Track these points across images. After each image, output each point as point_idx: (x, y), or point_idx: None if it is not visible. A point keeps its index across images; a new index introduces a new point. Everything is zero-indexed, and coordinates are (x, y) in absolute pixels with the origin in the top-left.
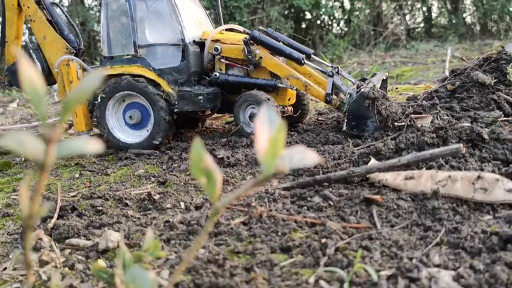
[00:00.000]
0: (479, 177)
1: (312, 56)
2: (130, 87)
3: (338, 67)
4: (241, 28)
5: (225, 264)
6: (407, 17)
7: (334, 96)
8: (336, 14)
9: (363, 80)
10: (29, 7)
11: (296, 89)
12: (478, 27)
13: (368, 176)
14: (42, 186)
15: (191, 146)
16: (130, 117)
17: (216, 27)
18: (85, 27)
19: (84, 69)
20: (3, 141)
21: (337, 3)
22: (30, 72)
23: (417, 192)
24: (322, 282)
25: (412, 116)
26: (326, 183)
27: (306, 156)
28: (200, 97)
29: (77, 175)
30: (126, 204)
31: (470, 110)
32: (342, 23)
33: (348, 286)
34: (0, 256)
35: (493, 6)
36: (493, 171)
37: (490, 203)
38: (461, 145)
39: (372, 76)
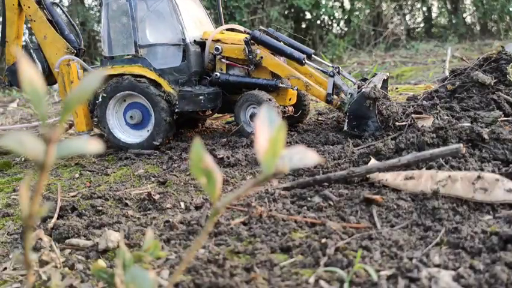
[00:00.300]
0: (479, 177)
1: (313, 56)
2: (131, 87)
3: (338, 67)
4: (241, 28)
5: (225, 264)
6: (407, 17)
7: (335, 96)
8: (336, 14)
9: (364, 80)
10: (29, 7)
11: (297, 89)
12: (478, 27)
13: (368, 176)
14: (42, 186)
15: (191, 146)
16: (131, 117)
17: (216, 27)
18: (84, 27)
19: (84, 69)
20: (3, 141)
21: (337, 3)
22: (30, 72)
23: (417, 192)
24: (322, 282)
25: (413, 115)
26: (326, 183)
27: (306, 156)
28: (201, 97)
29: (77, 175)
30: (126, 204)
31: (470, 110)
32: (342, 23)
33: (348, 286)
34: (0, 256)
35: (493, 6)
36: (493, 171)
37: (490, 203)
38: (461, 145)
39: (373, 76)
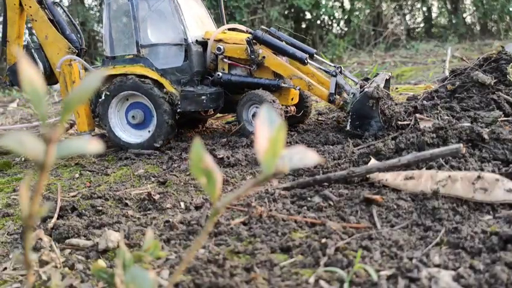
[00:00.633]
0: (479, 177)
1: (315, 55)
2: (135, 87)
3: (340, 67)
4: (243, 28)
5: (225, 264)
6: (407, 17)
7: (337, 96)
8: (336, 14)
9: (366, 79)
10: (30, 6)
11: (299, 89)
12: (478, 27)
13: (368, 176)
14: (42, 186)
15: (191, 146)
16: (133, 117)
17: (218, 27)
18: (84, 27)
19: (86, 69)
20: (3, 141)
21: (337, 3)
22: (30, 72)
23: (417, 192)
24: (322, 282)
25: (417, 115)
26: (326, 183)
27: (306, 156)
28: (203, 97)
29: (77, 175)
30: (126, 204)
31: (470, 110)
32: (342, 23)
33: (348, 286)
34: (0, 256)
35: (493, 6)
36: (493, 171)
37: (490, 203)
38: (461, 145)
39: (375, 76)
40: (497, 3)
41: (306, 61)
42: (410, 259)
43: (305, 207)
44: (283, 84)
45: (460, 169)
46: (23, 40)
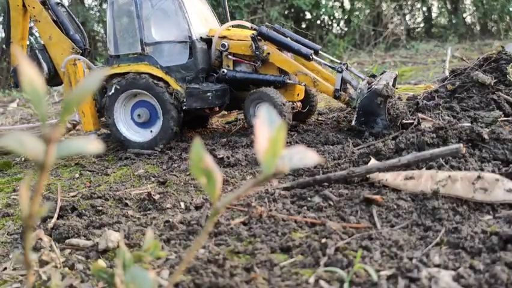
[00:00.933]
0: (479, 177)
1: (320, 52)
2: (147, 87)
3: (346, 63)
4: (248, 24)
5: (225, 264)
6: (407, 17)
7: (342, 92)
8: (336, 14)
9: (373, 76)
10: (34, 7)
11: (305, 85)
12: (478, 27)
13: (368, 176)
14: (42, 186)
15: (191, 146)
16: (139, 115)
17: (222, 24)
18: (84, 27)
19: (90, 69)
20: (3, 141)
21: (337, 3)
22: (30, 73)
23: (417, 192)
24: (322, 282)
25: (419, 115)
26: (326, 183)
27: (306, 156)
28: (208, 94)
29: (77, 175)
30: (126, 204)
31: (470, 110)
32: (342, 23)
33: (348, 286)
34: (0, 256)
35: (493, 6)
36: (493, 171)
37: (490, 203)
38: (461, 145)
39: (381, 74)
40: (497, 3)
41: (311, 57)
42: (410, 259)
43: (305, 207)
44: (288, 81)
45: (460, 169)
46: (27, 41)
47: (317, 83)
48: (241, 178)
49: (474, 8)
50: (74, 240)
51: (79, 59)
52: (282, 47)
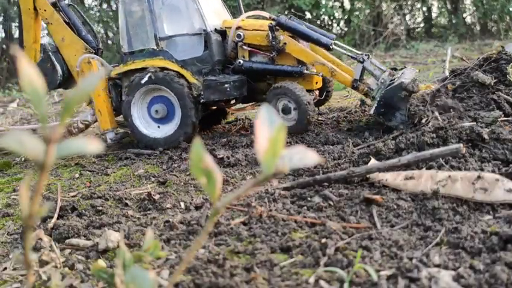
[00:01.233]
0: (479, 177)
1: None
2: (169, 85)
3: (368, 54)
4: (267, 14)
5: (225, 264)
6: (407, 17)
7: (360, 83)
8: (336, 14)
9: (394, 69)
10: (45, 10)
11: (322, 75)
12: (478, 27)
13: (368, 176)
14: (42, 186)
15: (191, 146)
16: (156, 111)
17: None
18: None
19: (104, 67)
20: (3, 141)
21: (337, 3)
22: (30, 72)
23: (417, 192)
24: (322, 282)
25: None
26: (326, 183)
27: (306, 156)
28: (226, 85)
29: (77, 175)
30: (126, 204)
31: (470, 110)
32: (342, 23)
33: (348, 286)
34: (0, 256)
35: (493, 6)
36: (493, 171)
37: (490, 203)
38: (461, 145)
39: (401, 69)
40: (497, 3)
41: (331, 47)
42: (410, 259)
43: (305, 207)
44: (306, 71)
45: (460, 169)
46: (40, 44)
47: (335, 73)
48: (241, 178)
49: (474, 8)
50: (74, 240)
51: (92, 58)
52: (301, 36)
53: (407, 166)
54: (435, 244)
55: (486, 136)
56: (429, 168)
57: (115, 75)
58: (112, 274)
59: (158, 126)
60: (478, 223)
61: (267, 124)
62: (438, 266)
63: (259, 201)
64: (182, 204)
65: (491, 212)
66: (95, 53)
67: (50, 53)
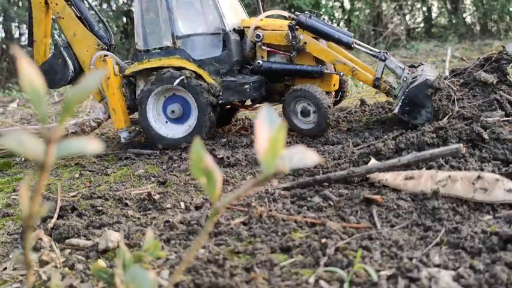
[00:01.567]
0: (479, 177)
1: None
2: (193, 90)
3: (387, 52)
4: (286, 13)
5: (225, 264)
6: (407, 17)
7: (381, 81)
8: (336, 14)
9: (412, 66)
10: (57, 4)
11: (343, 75)
12: (478, 27)
13: (368, 176)
14: (42, 186)
15: (191, 146)
16: (172, 111)
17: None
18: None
19: (119, 65)
20: (3, 141)
21: (337, 3)
22: (30, 72)
23: (417, 192)
24: (322, 282)
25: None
26: (326, 183)
27: (306, 156)
28: (246, 86)
29: (77, 175)
30: (126, 204)
31: (474, 109)
32: (342, 23)
33: (348, 286)
34: (0, 256)
35: (493, 6)
36: (493, 171)
37: (490, 203)
38: (461, 145)
39: (419, 65)
40: (497, 3)
41: (352, 46)
42: (410, 259)
43: (305, 207)
44: (326, 71)
45: (460, 169)
46: (50, 39)
47: (356, 72)
48: (241, 178)
49: (474, 8)
50: (74, 240)
51: (107, 55)
52: (322, 35)
53: (407, 166)
54: (435, 244)
55: (486, 136)
56: (429, 168)
57: (129, 73)
58: (112, 274)
59: (166, 122)
60: (478, 223)
61: (267, 124)
62: (438, 266)
63: (259, 201)
64: (182, 204)
65: (491, 212)
66: (107, 49)
67: (62, 48)
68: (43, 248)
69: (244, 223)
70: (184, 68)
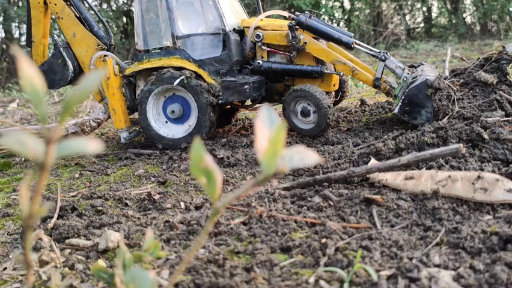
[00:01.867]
0: (479, 177)
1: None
2: (193, 90)
3: (386, 52)
4: (285, 13)
5: (225, 264)
6: (407, 17)
7: (381, 81)
8: (336, 14)
9: (412, 66)
10: (56, 4)
11: (342, 75)
12: (478, 27)
13: (368, 176)
14: (42, 186)
15: (191, 146)
16: (172, 111)
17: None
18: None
19: (119, 65)
20: (3, 141)
21: (337, 3)
22: (30, 72)
23: (417, 192)
24: (322, 282)
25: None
26: (326, 183)
27: (306, 156)
28: (246, 86)
29: (77, 175)
30: (126, 204)
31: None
32: (342, 23)
33: (348, 286)
34: (0, 256)
35: (493, 6)
36: (493, 171)
37: (490, 203)
38: (461, 145)
39: (418, 65)
40: (497, 3)
41: (352, 46)
42: (410, 259)
43: (305, 207)
44: (326, 71)
45: (460, 169)
46: (48, 39)
47: (356, 72)
48: (241, 178)
49: (474, 8)
50: (74, 240)
51: (107, 55)
52: (322, 35)
53: (407, 166)
54: (435, 244)
55: (486, 136)
56: (429, 168)
57: (129, 73)
58: (112, 274)
59: (166, 122)
60: (478, 223)
61: (267, 124)
62: (438, 266)
63: (259, 201)
64: (182, 204)
65: (491, 212)
66: (107, 49)
67: (61, 49)
68: (43, 248)
69: (244, 223)
70: (184, 68)
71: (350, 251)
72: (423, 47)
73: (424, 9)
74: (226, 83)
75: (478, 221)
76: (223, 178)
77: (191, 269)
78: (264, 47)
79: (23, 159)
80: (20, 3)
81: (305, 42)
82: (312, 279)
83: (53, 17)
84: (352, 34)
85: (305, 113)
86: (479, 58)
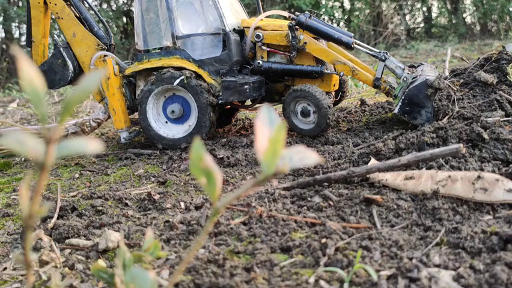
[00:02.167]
0: (479, 177)
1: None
2: (193, 90)
3: (386, 52)
4: (285, 13)
5: (225, 264)
6: (407, 17)
7: (381, 81)
8: (336, 14)
9: (412, 66)
10: (56, 4)
11: (342, 75)
12: (478, 27)
13: (368, 176)
14: (42, 186)
15: (191, 146)
16: (172, 111)
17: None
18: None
19: (119, 65)
20: (3, 141)
21: (337, 3)
22: (30, 72)
23: (417, 192)
24: (322, 282)
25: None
26: (326, 183)
27: (306, 156)
28: (246, 86)
29: (77, 175)
30: (126, 204)
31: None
32: (342, 23)
33: (348, 286)
34: (0, 256)
35: (493, 6)
36: (493, 171)
37: (490, 203)
38: (461, 145)
39: (418, 65)
40: (497, 3)
41: (352, 46)
42: (410, 259)
43: (305, 207)
44: (326, 71)
45: (460, 169)
46: (48, 39)
47: (356, 72)
48: (241, 178)
49: (474, 8)
50: (74, 240)
51: (107, 55)
52: (322, 35)
53: (407, 166)
54: (435, 244)
55: (486, 136)
56: (429, 168)
57: (129, 73)
58: (112, 274)
59: (166, 122)
60: (478, 223)
61: (267, 124)
62: (438, 266)
63: (259, 201)
64: (182, 204)
65: (491, 212)
66: (107, 49)
67: (61, 49)
68: (43, 248)
69: (244, 223)
70: (184, 68)
71: (350, 251)
72: (423, 47)
73: (424, 9)
74: (226, 83)
75: (478, 221)
76: (223, 178)
77: (191, 269)
78: (264, 47)
79: (23, 159)
80: (20, 3)
81: (305, 42)
82: (312, 279)
83: (53, 17)
84: (352, 34)
85: (305, 113)
86: (479, 58)
